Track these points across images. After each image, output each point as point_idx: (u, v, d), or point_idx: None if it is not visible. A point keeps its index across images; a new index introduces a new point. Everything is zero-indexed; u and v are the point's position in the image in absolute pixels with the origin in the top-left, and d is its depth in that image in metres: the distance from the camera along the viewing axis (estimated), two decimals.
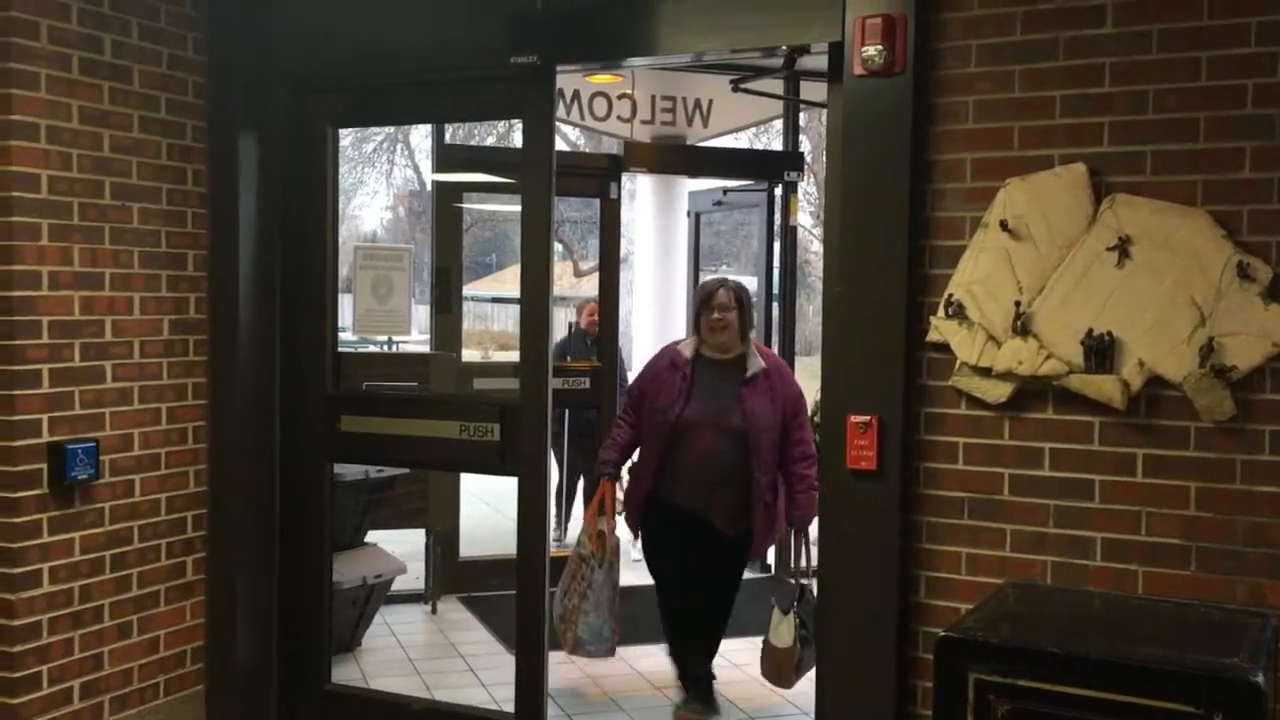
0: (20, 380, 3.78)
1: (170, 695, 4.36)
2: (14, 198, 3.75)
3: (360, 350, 8.37)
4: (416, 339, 9.54)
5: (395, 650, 5.88)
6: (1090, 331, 3.24)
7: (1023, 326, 3.32)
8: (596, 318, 7.74)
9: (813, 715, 3.84)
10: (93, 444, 3.98)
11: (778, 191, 7.46)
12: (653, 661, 5.41)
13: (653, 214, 10.94)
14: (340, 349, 5.46)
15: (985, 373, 3.38)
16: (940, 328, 3.44)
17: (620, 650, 4.94)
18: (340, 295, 4.90)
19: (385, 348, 7.57)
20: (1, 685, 3.80)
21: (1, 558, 3.79)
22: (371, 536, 6.17)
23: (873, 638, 3.50)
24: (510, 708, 4.27)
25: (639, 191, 12.20)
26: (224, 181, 4.41)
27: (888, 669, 3.48)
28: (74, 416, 3.95)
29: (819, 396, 3.89)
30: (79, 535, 3.98)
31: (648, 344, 9.69)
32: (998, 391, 3.37)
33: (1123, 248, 3.21)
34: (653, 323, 10.51)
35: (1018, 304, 3.33)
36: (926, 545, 3.49)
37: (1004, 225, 3.34)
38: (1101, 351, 3.23)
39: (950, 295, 3.42)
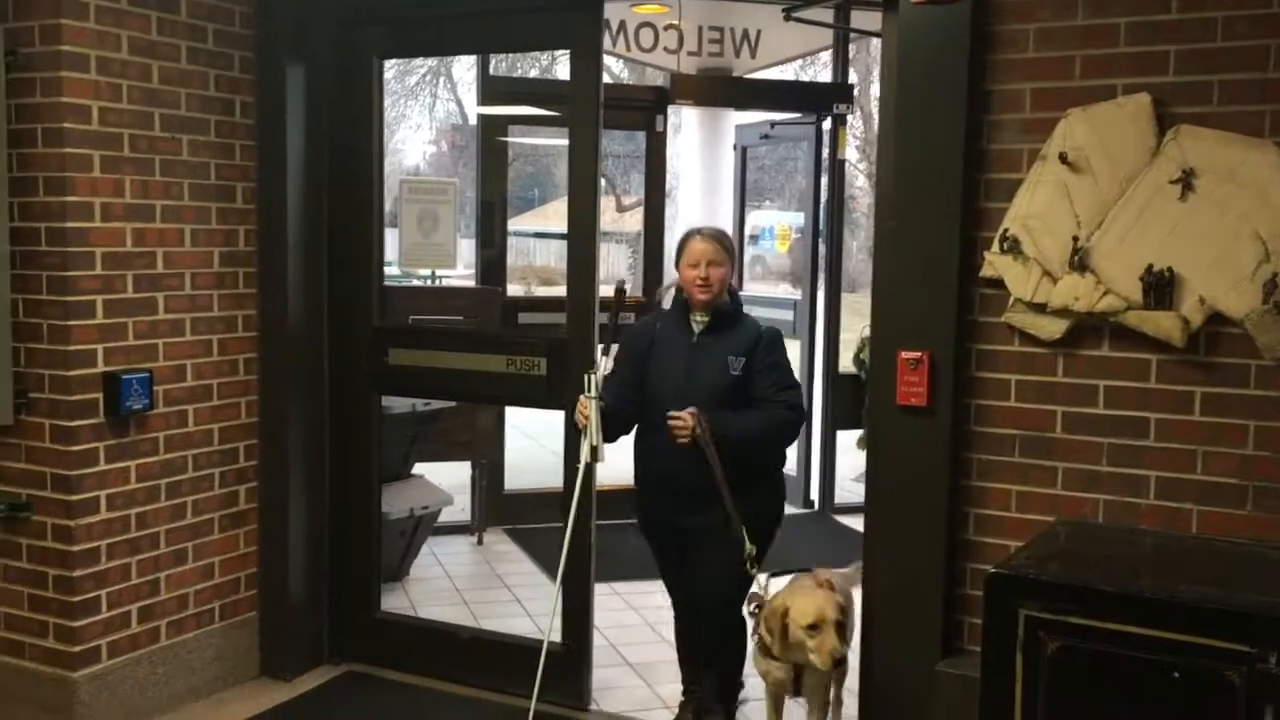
0: (75, 311, 3.83)
1: (225, 620, 4.46)
2: (65, 129, 3.76)
3: (404, 284, 8.39)
4: (461, 274, 9.55)
5: (442, 580, 5.96)
6: (1150, 267, 3.17)
7: (1080, 262, 3.26)
8: None
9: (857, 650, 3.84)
10: (147, 374, 4.02)
11: (825, 125, 7.35)
12: None
13: (698, 148, 10.83)
14: (385, 283, 5.47)
15: (1040, 309, 3.32)
16: (994, 263, 3.38)
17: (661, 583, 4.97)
18: (386, 229, 4.89)
19: (429, 282, 7.57)
20: (62, 608, 3.91)
21: (59, 485, 3.87)
22: (419, 469, 6.24)
23: (921, 574, 3.50)
24: (556, 637, 4.32)
25: (684, 125, 12.06)
26: (271, 113, 4.40)
27: (935, 605, 3.49)
28: (128, 347, 4.00)
29: (866, 333, 3.86)
30: (134, 464, 4.05)
31: None
32: (1052, 328, 3.32)
33: (1186, 181, 3.13)
34: None
35: (1075, 239, 3.26)
36: (976, 482, 3.47)
37: (1063, 158, 3.26)
38: (1161, 287, 3.16)
39: (1005, 230, 3.36)
